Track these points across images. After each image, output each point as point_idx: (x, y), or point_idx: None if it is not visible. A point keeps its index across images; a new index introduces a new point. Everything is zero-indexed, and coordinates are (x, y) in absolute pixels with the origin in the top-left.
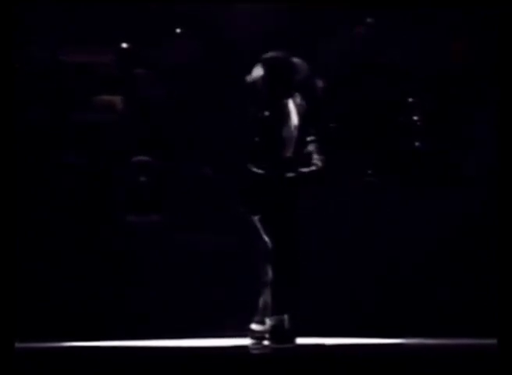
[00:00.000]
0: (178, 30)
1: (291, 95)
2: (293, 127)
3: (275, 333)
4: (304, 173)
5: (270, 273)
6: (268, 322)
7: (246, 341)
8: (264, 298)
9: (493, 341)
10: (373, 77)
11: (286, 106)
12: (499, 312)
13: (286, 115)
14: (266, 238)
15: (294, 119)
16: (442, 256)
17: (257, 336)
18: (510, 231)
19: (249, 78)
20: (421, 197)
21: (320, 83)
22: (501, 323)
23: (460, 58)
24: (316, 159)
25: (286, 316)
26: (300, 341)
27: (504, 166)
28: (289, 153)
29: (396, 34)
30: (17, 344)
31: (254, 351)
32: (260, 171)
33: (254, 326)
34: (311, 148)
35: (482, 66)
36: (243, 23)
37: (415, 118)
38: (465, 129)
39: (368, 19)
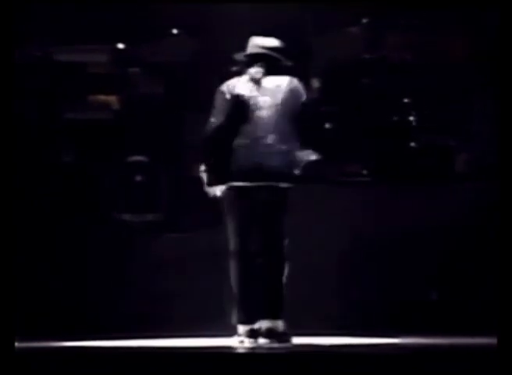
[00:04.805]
0: (173, 29)
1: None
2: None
3: (270, 335)
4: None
5: (247, 272)
6: (262, 325)
7: (235, 341)
8: (245, 296)
9: (493, 339)
10: (369, 76)
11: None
12: (499, 311)
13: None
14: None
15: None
16: (442, 254)
17: (246, 335)
18: (510, 229)
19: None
20: (420, 195)
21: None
22: (501, 321)
23: (459, 55)
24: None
25: (280, 321)
26: (295, 341)
27: (504, 164)
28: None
29: (395, 33)
30: (17, 344)
31: (243, 351)
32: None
33: (242, 327)
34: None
35: (482, 63)
36: (239, 23)
37: (412, 117)
38: (467, 127)
39: (364, 18)
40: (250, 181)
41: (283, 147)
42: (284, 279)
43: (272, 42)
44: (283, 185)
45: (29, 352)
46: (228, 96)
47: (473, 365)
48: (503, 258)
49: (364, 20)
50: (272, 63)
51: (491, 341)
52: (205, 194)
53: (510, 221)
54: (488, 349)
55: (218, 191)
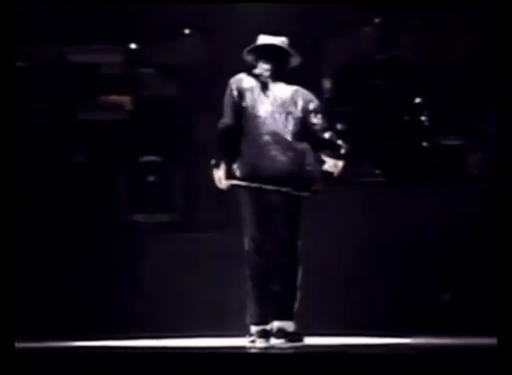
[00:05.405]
0: (183, 29)
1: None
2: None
3: (282, 335)
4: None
5: (260, 272)
6: (274, 325)
7: (247, 341)
8: (258, 296)
9: (493, 339)
10: (376, 76)
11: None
12: (499, 311)
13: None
14: (256, 237)
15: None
16: (444, 254)
17: (258, 335)
18: (510, 230)
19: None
20: (428, 195)
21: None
22: (501, 321)
23: (463, 55)
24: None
25: (291, 321)
26: (307, 341)
27: (505, 164)
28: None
29: (399, 32)
30: (17, 344)
31: (255, 351)
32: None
33: (254, 327)
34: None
35: (485, 62)
36: (251, 22)
37: (420, 117)
38: (472, 127)
39: (371, 18)
40: (259, 181)
41: (288, 144)
42: (297, 280)
43: (281, 38)
44: (285, 189)
45: (29, 352)
46: (235, 91)
47: (473, 365)
48: (503, 258)
49: (367, 21)
50: (281, 57)
51: (491, 341)
52: (218, 193)
53: (510, 221)
54: (488, 349)
55: (226, 184)
